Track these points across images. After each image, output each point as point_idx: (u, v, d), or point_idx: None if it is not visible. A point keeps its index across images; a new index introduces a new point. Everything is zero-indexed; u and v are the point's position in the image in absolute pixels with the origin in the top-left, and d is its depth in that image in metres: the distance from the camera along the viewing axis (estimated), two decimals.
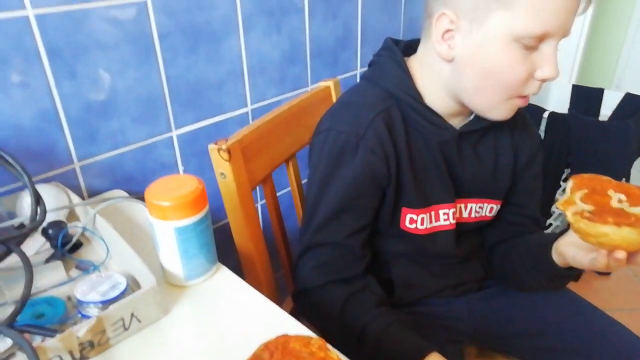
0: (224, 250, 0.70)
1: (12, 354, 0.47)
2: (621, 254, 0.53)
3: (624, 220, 0.51)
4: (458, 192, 0.76)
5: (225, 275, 0.63)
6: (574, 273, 0.71)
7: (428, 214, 0.74)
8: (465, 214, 0.78)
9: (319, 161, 0.71)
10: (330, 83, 0.99)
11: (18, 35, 0.66)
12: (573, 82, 2.21)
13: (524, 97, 0.65)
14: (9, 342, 0.48)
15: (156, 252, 0.60)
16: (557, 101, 2.16)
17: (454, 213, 0.75)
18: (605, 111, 1.97)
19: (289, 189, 0.93)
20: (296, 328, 0.54)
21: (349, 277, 0.70)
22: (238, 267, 0.72)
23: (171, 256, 0.58)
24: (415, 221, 0.74)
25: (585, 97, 2.07)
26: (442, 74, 0.68)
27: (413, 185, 0.71)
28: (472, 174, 0.75)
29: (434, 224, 0.75)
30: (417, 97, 0.70)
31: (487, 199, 0.78)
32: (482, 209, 0.78)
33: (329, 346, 0.45)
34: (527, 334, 0.81)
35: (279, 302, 0.84)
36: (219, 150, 0.71)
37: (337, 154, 0.69)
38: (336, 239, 0.69)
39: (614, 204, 0.53)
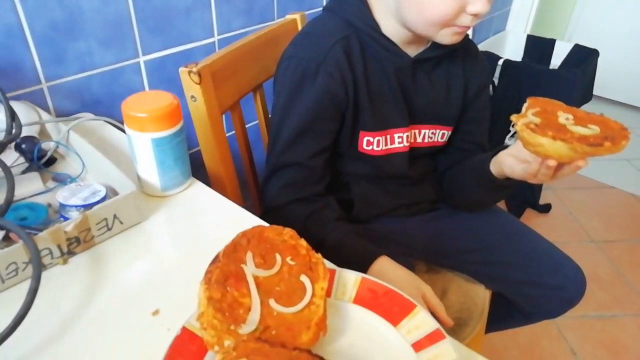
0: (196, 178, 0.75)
1: (4, 244, 0.51)
2: (552, 162, 0.62)
3: (560, 135, 0.59)
4: (412, 117, 0.82)
5: (199, 187, 0.67)
6: (509, 184, 0.78)
7: (384, 137, 0.80)
8: (419, 139, 0.85)
9: (281, 87, 0.76)
10: (297, 16, 1.01)
11: None
12: (528, 32, 2.30)
13: (462, 27, 0.70)
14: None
15: (133, 165, 0.63)
16: (512, 50, 2.25)
17: (407, 137, 0.82)
18: (556, 61, 2.07)
19: (256, 122, 0.96)
20: None
21: (310, 196, 0.77)
22: None
23: (148, 167, 0.62)
24: (372, 143, 0.80)
25: (539, 47, 2.16)
26: (391, 6, 0.73)
27: (370, 110, 0.77)
28: (425, 101, 0.81)
29: (389, 146, 0.82)
30: (375, 26, 0.74)
31: (440, 125, 0.85)
32: (434, 135, 0.85)
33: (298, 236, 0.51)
34: (468, 250, 0.92)
35: None
36: (189, 72, 0.73)
37: (298, 80, 0.73)
38: (299, 159, 0.75)
39: (560, 120, 0.61)
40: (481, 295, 0.93)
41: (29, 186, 0.63)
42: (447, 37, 0.72)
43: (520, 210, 1.94)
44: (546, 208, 1.95)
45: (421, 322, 0.45)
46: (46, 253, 0.51)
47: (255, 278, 0.46)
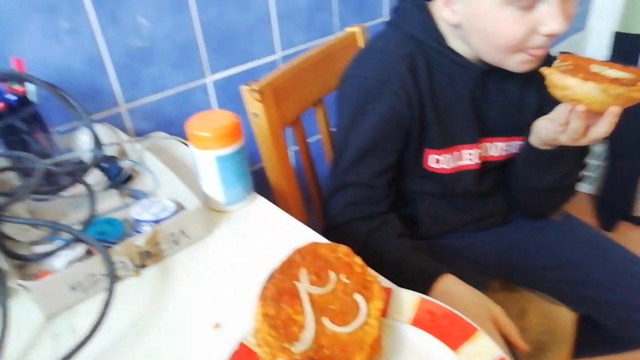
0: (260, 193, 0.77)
1: (86, 257, 0.55)
2: (580, 107, 0.57)
3: (592, 77, 0.54)
4: (484, 131, 0.78)
5: (261, 202, 0.69)
6: (558, 153, 0.73)
7: (451, 154, 0.77)
8: (492, 152, 0.80)
9: (345, 106, 0.76)
10: (357, 29, 1.01)
11: None
12: (615, 29, 2.12)
13: (535, 48, 0.66)
14: (80, 250, 0.56)
15: (198, 181, 0.67)
16: (595, 50, 2.08)
17: (478, 153, 0.78)
18: None
19: (319, 136, 0.97)
20: None
21: (373, 214, 0.75)
22: None
23: (212, 183, 0.65)
24: (439, 161, 0.77)
25: (627, 45, 1.99)
26: (458, 32, 0.70)
27: (436, 127, 0.75)
28: (498, 112, 0.77)
29: (458, 163, 0.79)
30: (441, 39, 0.72)
31: (516, 137, 0.80)
32: (510, 147, 0.81)
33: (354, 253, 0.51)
34: (549, 267, 0.85)
35: None
36: (251, 91, 0.76)
37: (362, 99, 0.73)
38: (362, 179, 0.74)
39: (593, 69, 0.58)
40: (566, 317, 0.86)
41: (108, 202, 0.69)
42: (518, 65, 0.68)
43: (613, 222, 1.78)
44: None
45: (483, 348, 0.42)
46: (120, 266, 0.55)
47: (309, 295, 0.46)
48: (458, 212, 0.84)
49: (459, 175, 0.79)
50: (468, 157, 0.78)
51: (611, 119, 0.59)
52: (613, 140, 1.70)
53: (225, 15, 0.92)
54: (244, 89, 0.76)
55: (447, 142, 0.77)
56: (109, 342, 0.49)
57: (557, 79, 0.57)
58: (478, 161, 0.78)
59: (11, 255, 0.54)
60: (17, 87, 0.65)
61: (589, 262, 0.82)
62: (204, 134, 0.61)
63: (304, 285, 0.47)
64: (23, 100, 0.65)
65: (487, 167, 0.80)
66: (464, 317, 0.45)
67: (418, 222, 0.83)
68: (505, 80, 0.77)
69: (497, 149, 0.80)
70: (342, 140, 0.76)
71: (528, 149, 0.75)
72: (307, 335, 0.43)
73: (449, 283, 0.65)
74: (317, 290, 0.47)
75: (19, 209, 0.66)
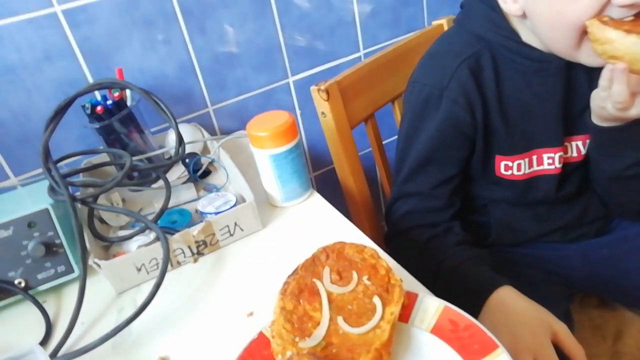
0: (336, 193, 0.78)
1: (153, 243, 0.63)
2: (620, 65, 0.50)
3: (636, 29, 0.46)
4: (568, 129, 0.70)
5: (318, 200, 0.71)
6: (612, 128, 0.63)
7: (526, 159, 0.70)
8: (574, 153, 0.71)
9: (405, 113, 0.73)
10: (443, 21, 0.96)
11: (160, 0, 0.82)
12: None
13: None
14: (152, 236, 0.64)
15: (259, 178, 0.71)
16: None
17: (560, 157, 0.70)
18: None
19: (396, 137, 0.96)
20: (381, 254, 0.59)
21: (433, 223, 0.72)
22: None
23: (269, 180, 0.68)
24: (510, 167, 0.71)
25: None
26: (527, 24, 0.63)
27: (505, 132, 0.68)
28: (583, 108, 0.68)
29: (535, 168, 0.71)
30: (512, 35, 0.65)
31: None
32: None
33: (382, 253, 0.50)
34: None
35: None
36: (318, 90, 0.78)
37: (421, 107, 0.70)
38: (422, 189, 0.72)
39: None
40: None
41: (185, 195, 0.77)
42: (591, 55, 0.58)
43: None
44: None
45: None
46: (179, 252, 0.61)
47: (329, 294, 0.47)
48: (537, 220, 0.75)
49: (534, 181, 0.71)
50: (548, 161, 0.70)
51: None
52: None
53: (306, 17, 0.95)
54: (313, 89, 0.78)
55: (522, 147, 0.69)
56: (158, 316, 0.55)
57: (597, 31, 0.50)
58: (558, 165, 0.70)
59: (97, 236, 0.64)
60: (116, 93, 0.76)
61: None
62: (259, 133, 0.64)
63: (325, 284, 0.47)
64: (120, 104, 0.75)
65: (567, 169, 0.71)
66: (486, 331, 0.41)
67: (491, 230, 0.76)
68: (594, 71, 0.67)
69: (580, 147, 0.71)
70: (402, 148, 0.74)
71: (591, 128, 0.66)
72: (319, 332, 0.44)
73: (507, 295, 0.59)
74: (337, 290, 0.47)
75: (115, 197, 0.77)
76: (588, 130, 0.69)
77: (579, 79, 0.67)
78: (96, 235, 0.64)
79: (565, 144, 0.70)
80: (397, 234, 0.75)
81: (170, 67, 0.87)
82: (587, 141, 0.71)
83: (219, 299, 0.57)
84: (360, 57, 1.05)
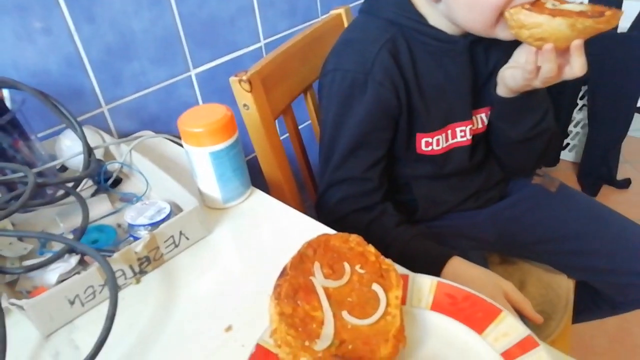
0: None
1: (77, 268, 0.53)
2: (548, 45, 0.57)
3: (557, 13, 0.55)
4: (475, 104, 0.77)
5: (260, 196, 0.67)
6: (527, 101, 0.73)
7: (443, 134, 0.76)
8: (479, 125, 0.79)
9: (329, 102, 0.73)
10: (341, 10, 0.98)
11: None
12: None
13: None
14: (73, 261, 0.54)
15: (193, 179, 0.64)
16: None
17: (470, 129, 0.77)
18: (625, 24, 1.90)
19: (308, 122, 0.95)
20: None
21: (368, 206, 0.73)
22: None
23: (208, 181, 0.62)
24: (430, 144, 0.76)
25: None
26: (441, 9, 0.68)
27: (425, 110, 0.73)
28: (485, 80, 0.76)
29: (451, 141, 0.77)
30: (421, 19, 0.70)
31: None
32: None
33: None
34: (549, 239, 0.85)
35: None
36: (240, 81, 0.73)
37: (346, 93, 0.70)
38: (354, 174, 0.73)
39: (548, 5, 0.58)
40: (564, 285, 0.87)
41: (99, 209, 0.66)
42: (506, 30, 0.64)
43: (596, 188, 1.80)
44: (625, 183, 1.80)
45: (509, 328, 0.41)
46: (120, 274, 0.52)
47: (325, 289, 0.44)
48: (454, 190, 0.82)
49: (451, 153, 0.77)
50: (460, 134, 0.77)
51: (580, 53, 0.58)
52: (592, 105, 1.72)
53: (206, 5, 0.88)
54: (233, 80, 0.73)
55: (440, 123, 0.75)
56: (115, 356, 0.46)
57: (524, 18, 0.56)
58: (469, 137, 0.77)
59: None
60: None
61: (585, 232, 0.82)
62: (196, 129, 0.58)
63: (319, 280, 0.45)
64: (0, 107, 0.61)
65: (476, 140, 0.79)
66: (485, 298, 0.44)
67: (416, 206, 0.81)
68: (491, 47, 0.75)
69: (484, 119, 0.79)
70: (329, 137, 0.73)
71: (498, 102, 0.74)
72: (328, 331, 0.41)
73: (457, 266, 0.64)
74: (332, 284, 0.45)
75: (3, 222, 0.62)
76: (489, 102, 0.78)
77: (478, 58, 0.75)
78: None
79: (474, 117, 0.78)
80: (332, 222, 0.74)
81: (53, 61, 0.73)
82: (489, 112, 0.79)
83: (185, 319, 0.50)
84: (261, 47, 1.01)
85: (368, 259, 0.47)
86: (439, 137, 0.76)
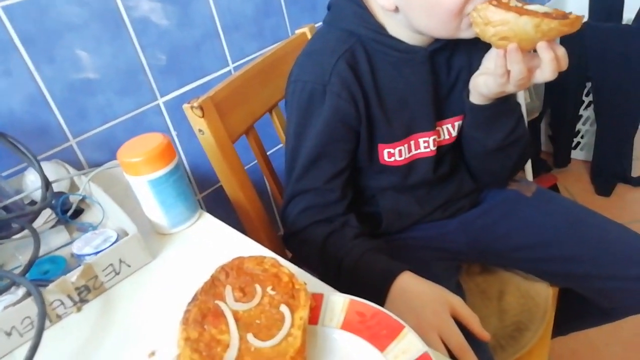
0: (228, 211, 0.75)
1: (24, 299, 0.55)
2: (512, 45, 0.57)
3: (524, 12, 0.55)
4: (439, 115, 0.76)
5: (208, 220, 0.68)
6: (500, 107, 0.72)
7: (406, 145, 0.75)
8: (445, 136, 0.78)
9: (291, 113, 0.74)
10: (305, 29, 0.99)
11: None
12: None
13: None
14: (20, 292, 0.56)
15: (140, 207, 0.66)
16: (574, 10, 2.03)
17: (434, 140, 0.76)
18: (629, 15, 1.83)
19: (280, 145, 0.96)
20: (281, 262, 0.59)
21: (330, 217, 0.73)
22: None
23: (152, 208, 0.64)
24: (393, 154, 0.75)
25: (605, 3, 1.93)
26: (399, 19, 0.68)
27: (385, 121, 0.72)
28: (449, 92, 0.75)
29: (414, 152, 0.76)
30: (379, 29, 0.70)
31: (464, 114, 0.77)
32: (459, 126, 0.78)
33: (283, 262, 0.49)
34: (526, 246, 0.82)
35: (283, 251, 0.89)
36: (192, 108, 0.75)
37: (306, 104, 0.71)
38: (316, 184, 0.73)
39: (512, 4, 0.58)
40: (543, 294, 0.84)
41: (56, 240, 0.68)
42: (469, 30, 0.64)
43: (610, 186, 1.73)
44: None
45: (409, 345, 0.40)
46: (58, 304, 0.54)
47: (235, 313, 0.45)
48: (420, 203, 0.81)
49: (414, 164, 0.76)
50: (424, 145, 0.76)
51: (549, 56, 0.58)
52: (597, 101, 1.66)
53: (167, 35, 0.91)
54: (185, 107, 0.75)
55: (402, 134, 0.74)
56: None
57: (491, 14, 0.56)
58: (433, 148, 0.76)
59: None
60: None
61: (563, 237, 0.79)
62: (132, 159, 0.60)
63: (230, 303, 0.45)
64: None
65: (441, 151, 0.78)
66: (391, 315, 0.43)
67: (381, 219, 0.80)
68: (452, 57, 0.74)
69: (448, 131, 0.78)
70: (292, 148, 0.74)
71: (471, 110, 0.73)
72: (231, 354, 0.42)
73: (406, 281, 0.62)
74: (242, 307, 0.45)
75: None
76: (455, 113, 0.77)
77: (439, 68, 0.74)
78: None
79: (437, 128, 0.77)
80: (295, 232, 0.75)
81: (15, 101, 0.77)
82: (456, 123, 0.78)
83: (113, 346, 0.51)
84: (230, 70, 1.04)
85: (281, 279, 0.47)
86: (402, 147, 0.75)
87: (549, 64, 0.59)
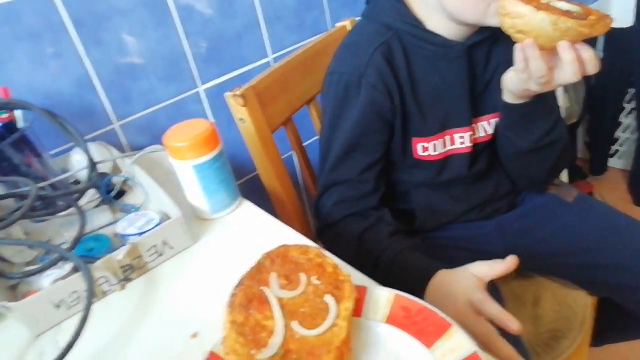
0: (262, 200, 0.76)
1: (71, 274, 0.56)
2: (529, 41, 0.55)
3: (544, 8, 0.53)
4: (476, 111, 0.75)
5: (249, 208, 0.68)
6: (532, 107, 0.69)
7: (441, 140, 0.74)
8: (482, 133, 0.77)
9: (327, 104, 0.75)
10: (347, 23, 0.99)
11: (45, 12, 0.74)
12: None
13: None
14: (68, 267, 0.57)
15: (183, 192, 0.67)
16: (620, 15, 1.96)
17: (471, 136, 0.75)
18: None
19: (317, 137, 0.96)
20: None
21: (364, 211, 0.73)
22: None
23: (195, 193, 0.64)
24: (427, 149, 0.75)
25: None
26: (431, 3, 0.67)
27: (419, 115, 0.72)
28: (487, 88, 0.74)
29: (449, 147, 0.76)
30: (417, 23, 0.69)
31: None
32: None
33: (326, 253, 0.49)
34: (565, 253, 0.80)
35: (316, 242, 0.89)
36: (234, 96, 0.75)
37: (342, 96, 0.71)
38: (350, 176, 0.73)
39: (543, 1, 0.56)
40: (581, 302, 0.82)
41: (100, 219, 0.70)
42: (496, 17, 0.62)
43: None
44: None
45: (457, 344, 0.40)
46: (103, 281, 0.56)
47: (280, 300, 0.45)
48: (455, 201, 0.80)
49: (449, 160, 0.76)
50: (460, 141, 0.75)
51: (569, 57, 0.55)
52: None
53: (211, 24, 0.92)
54: (228, 96, 0.76)
55: (437, 128, 0.74)
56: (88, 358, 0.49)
57: (509, 5, 0.55)
58: (470, 144, 0.75)
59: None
60: (4, 115, 0.67)
61: (604, 245, 0.77)
62: (179, 144, 0.61)
63: (274, 290, 0.46)
64: (10, 126, 0.67)
65: (478, 148, 0.77)
66: (438, 312, 0.42)
67: (414, 216, 0.80)
68: (492, 53, 0.73)
69: (487, 127, 0.77)
70: (326, 139, 0.74)
71: (504, 108, 0.71)
72: (275, 341, 0.42)
73: (441, 280, 0.62)
74: (287, 294, 0.45)
75: (16, 231, 0.68)
76: (492, 110, 0.75)
77: (477, 63, 0.73)
78: None
79: (473, 125, 0.76)
80: (329, 225, 0.75)
81: (64, 83, 0.79)
82: (492, 121, 0.77)
83: (156, 325, 0.52)
84: (269, 62, 1.04)
85: (326, 270, 0.47)
86: (436, 142, 0.74)
87: (569, 65, 0.56)
